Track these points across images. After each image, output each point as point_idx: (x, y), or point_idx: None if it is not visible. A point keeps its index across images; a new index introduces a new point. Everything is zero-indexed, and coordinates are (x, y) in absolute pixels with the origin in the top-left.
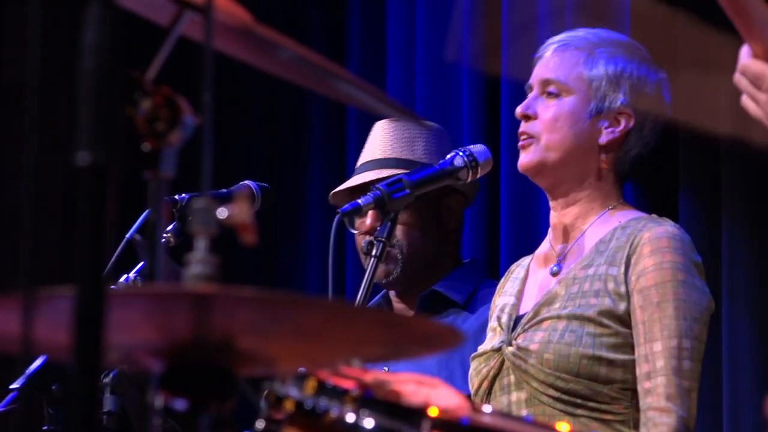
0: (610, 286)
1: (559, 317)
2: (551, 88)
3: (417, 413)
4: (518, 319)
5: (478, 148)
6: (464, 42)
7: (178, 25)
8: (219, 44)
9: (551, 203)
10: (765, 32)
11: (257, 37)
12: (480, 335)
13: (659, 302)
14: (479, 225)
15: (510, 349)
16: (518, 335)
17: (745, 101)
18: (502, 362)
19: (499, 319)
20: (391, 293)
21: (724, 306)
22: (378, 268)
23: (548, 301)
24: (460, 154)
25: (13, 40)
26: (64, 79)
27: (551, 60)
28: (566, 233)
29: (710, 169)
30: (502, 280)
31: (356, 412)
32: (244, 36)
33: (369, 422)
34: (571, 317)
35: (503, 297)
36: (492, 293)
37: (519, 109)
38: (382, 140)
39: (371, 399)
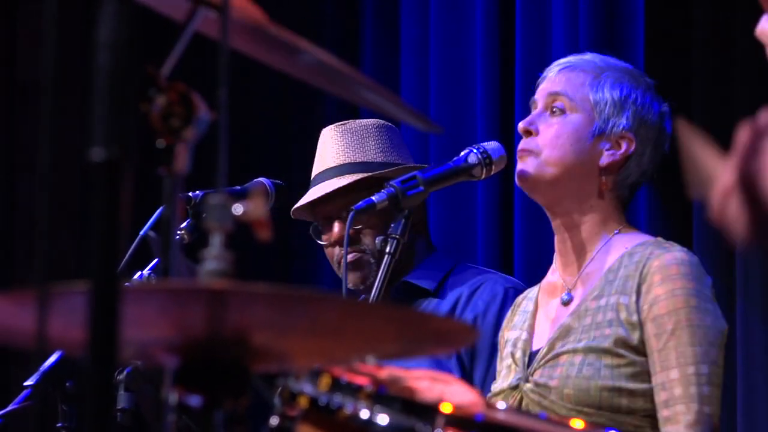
0: (623, 315)
1: (575, 351)
2: (558, 103)
3: (431, 410)
4: (532, 354)
5: (492, 145)
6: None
7: (193, 21)
8: (234, 41)
9: (553, 225)
10: None
11: (273, 38)
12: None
13: (673, 330)
14: (493, 226)
15: (528, 385)
16: (534, 371)
17: None
18: (521, 399)
19: (512, 355)
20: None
21: (738, 311)
22: (353, 274)
23: (562, 335)
24: (474, 151)
25: (28, 37)
26: (78, 76)
27: (558, 77)
28: (573, 260)
29: None
30: (509, 314)
31: (370, 408)
32: (258, 34)
33: (383, 419)
34: (588, 350)
35: (513, 331)
36: (466, 276)
37: (522, 125)
38: (332, 147)
39: (385, 395)
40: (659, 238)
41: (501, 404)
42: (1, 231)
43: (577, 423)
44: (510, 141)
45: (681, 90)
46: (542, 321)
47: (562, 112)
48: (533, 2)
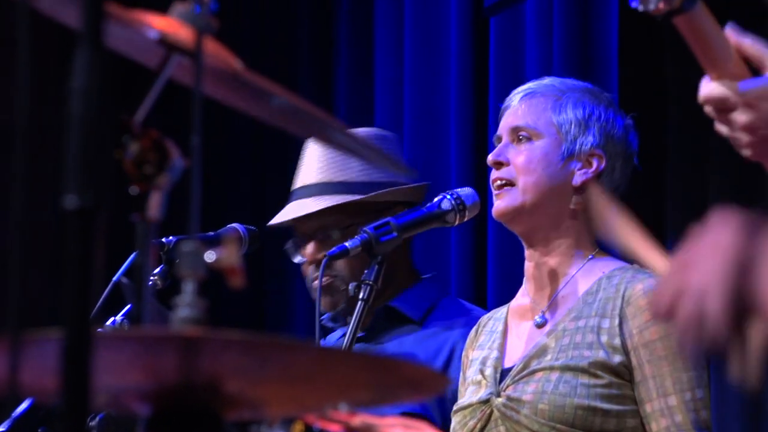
0: (604, 338)
1: (552, 368)
2: (522, 134)
3: None
4: (505, 371)
5: (465, 192)
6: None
7: (167, 68)
8: (208, 89)
9: (528, 252)
10: (725, 64)
11: (246, 84)
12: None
13: (667, 355)
14: (466, 266)
15: (499, 400)
16: (507, 386)
17: (718, 126)
18: (491, 414)
19: (482, 372)
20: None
21: None
22: (324, 299)
23: (538, 353)
24: (448, 197)
25: (1, 83)
26: (53, 123)
27: (519, 108)
28: (547, 284)
29: (699, 211)
30: (473, 334)
31: None
32: (232, 80)
33: None
34: (565, 368)
35: (479, 350)
36: (451, 311)
37: (490, 157)
38: (315, 162)
39: None
40: (635, 265)
41: None
42: None
43: None
44: (484, 183)
45: (655, 111)
46: (513, 341)
47: (528, 139)
48: (507, 44)
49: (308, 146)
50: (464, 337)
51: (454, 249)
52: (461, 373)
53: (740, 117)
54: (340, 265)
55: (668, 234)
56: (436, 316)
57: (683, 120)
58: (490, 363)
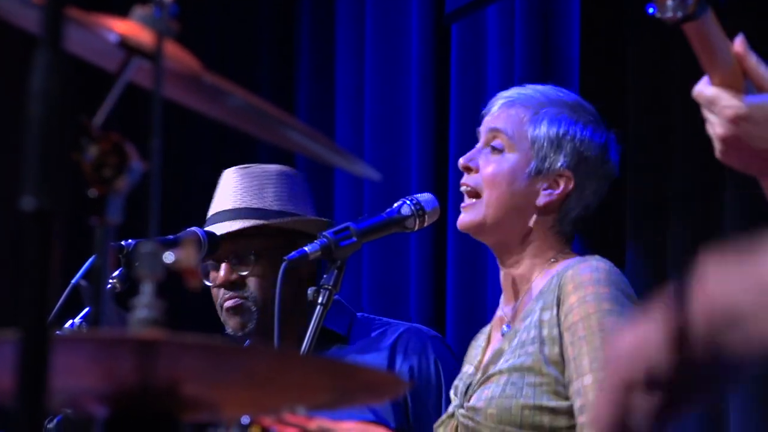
0: (545, 331)
1: (501, 372)
2: (497, 142)
3: None
4: (472, 384)
5: (425, 197)
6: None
7: (127, 71)
8: (168, 91)
9: (498, 263)
10: (725, 67)
11: (206, 85)
12: None
13: (586, 336)
14: (426, 276)
15: (461, 411)
16: (470, 397)
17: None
18: (456, 427)
19: (456, 387)
20: None
21: None
22: (233, 319)
23: (494, 358)
24: (408, 202)
25: None
26: (12, 126)
27: (499, 114)
28: (514, 293)
29: (657, 222)
30: (468, 350)
31: None
32: (192, 83)
33: None
34: (512, 369)
35: (465, 366)
36: (372, 326)
37: (461, 161)
38: (232, 190)
39: None
40: (588, 257)
41: None
42: None
43: None
44: (444, 190)
45: (616, 119)
46: (488, 354)
47: (501, 151)
48: (469, 51)
49: (223, 176)
50: (393, 339)
51: (413, 255)
52: None
53: (718, 129)
54: (252, 286)
55: (628, 225)
56: (358, 332)
57: (643, 126)
58: (464, 378)
